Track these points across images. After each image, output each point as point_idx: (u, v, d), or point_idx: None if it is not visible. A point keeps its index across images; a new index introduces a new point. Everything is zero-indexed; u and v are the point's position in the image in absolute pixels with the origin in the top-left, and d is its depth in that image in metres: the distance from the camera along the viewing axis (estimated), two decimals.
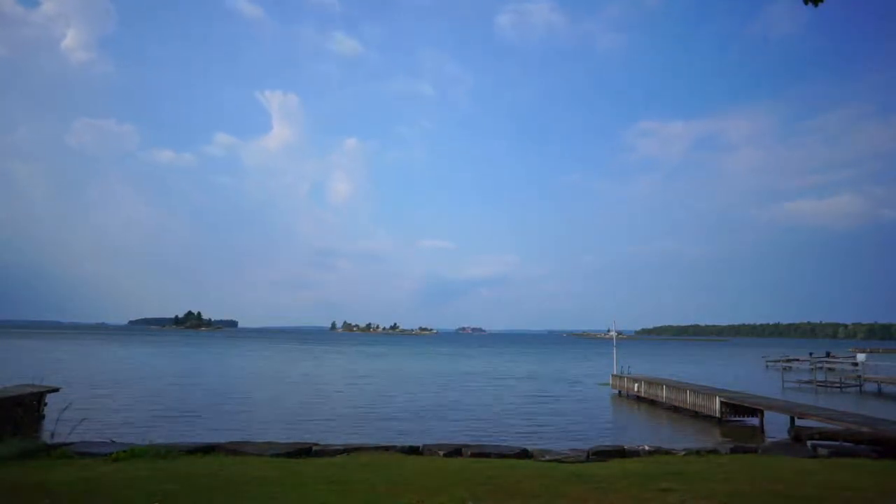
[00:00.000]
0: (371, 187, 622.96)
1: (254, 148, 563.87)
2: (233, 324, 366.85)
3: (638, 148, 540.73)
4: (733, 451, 12.04)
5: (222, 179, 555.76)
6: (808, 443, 13.18)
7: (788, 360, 52.89)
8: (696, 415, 23.32)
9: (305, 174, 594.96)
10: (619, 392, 31.65)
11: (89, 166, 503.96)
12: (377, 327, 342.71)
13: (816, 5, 4.91)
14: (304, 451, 10.65)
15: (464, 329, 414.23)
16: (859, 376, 37.52)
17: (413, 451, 11.14)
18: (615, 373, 33.74)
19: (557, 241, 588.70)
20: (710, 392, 23.79)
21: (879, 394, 34.30)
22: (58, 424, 12.75)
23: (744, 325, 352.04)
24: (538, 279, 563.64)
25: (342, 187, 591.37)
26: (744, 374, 49.18)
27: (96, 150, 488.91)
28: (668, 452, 11.87)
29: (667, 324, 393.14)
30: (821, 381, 38.87)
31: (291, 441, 12.44)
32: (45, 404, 19.91)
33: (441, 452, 10.94)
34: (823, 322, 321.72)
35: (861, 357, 42.00)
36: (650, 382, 28.76)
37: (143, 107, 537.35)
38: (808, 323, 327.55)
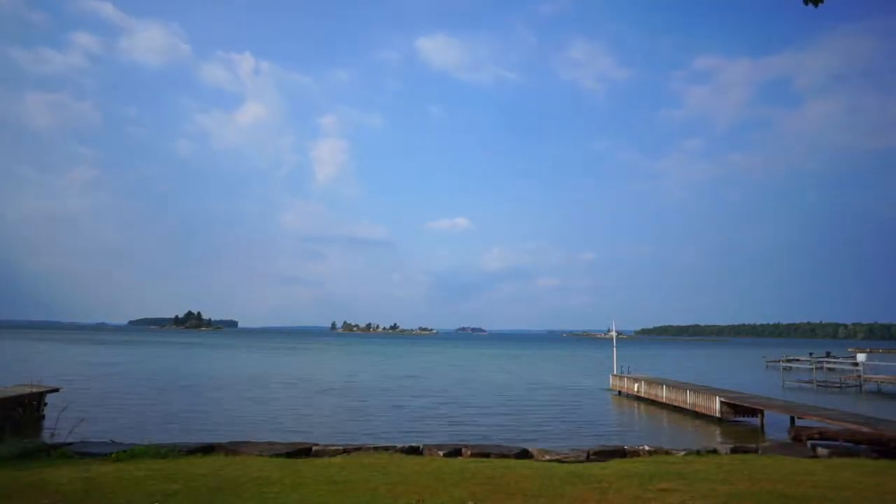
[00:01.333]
0: (366, 165, 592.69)
1: (230, 121, 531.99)
2: (233, 324, 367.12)
3: (686, 102, 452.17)
4: (733, 451, 12.06)
5: (204, 163, 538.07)
6: (808, 443, 13.22)
7: (788, 360, 52.85)
8: (696, 415, 23.31)
9: (289, 151, 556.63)
10: (620, 392, 31.65)
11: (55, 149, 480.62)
12: (377, 327, 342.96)
13: (816, 6, 4.90)
14: (304, 452, 10.69)
15: (464, 329, 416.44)
16: (859, 376, 37.52)
17: (413, 451, 11.17)
18: (615, 373, 33.75)
19: (561, 237, 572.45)
20: (710, 392, 23.79)
21: (879, 394, 34.28)
22: (58, 424, 12.77)
23: (744, 325, 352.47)
24: (538, 278, 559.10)
25: (329, 169, 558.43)
26: (744, 374, 49.16)
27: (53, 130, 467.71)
28: (668, 452, 11.89)
29: (667, 324, 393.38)
30: (821, 381, 38.84)
31: (291, 441, 12.47)
32: (45, 404, 19.89)
33: (441, 452, 10.96)
34: (823, 322, 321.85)
35: (861, 357, 42.01)
36: (650, 382, 28.75)
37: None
38: (808, 323, 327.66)
